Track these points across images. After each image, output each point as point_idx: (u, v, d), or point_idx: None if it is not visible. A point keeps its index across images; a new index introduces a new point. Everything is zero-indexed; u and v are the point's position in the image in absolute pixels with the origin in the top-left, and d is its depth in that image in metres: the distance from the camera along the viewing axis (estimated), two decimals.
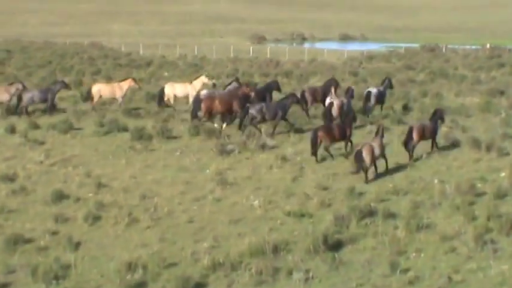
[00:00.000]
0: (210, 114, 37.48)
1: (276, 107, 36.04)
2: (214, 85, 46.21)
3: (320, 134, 31.05)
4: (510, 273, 19.55)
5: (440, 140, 33.68)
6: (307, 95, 40.22)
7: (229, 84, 42.26)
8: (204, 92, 39.88)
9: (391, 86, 42.61)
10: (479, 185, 27.11)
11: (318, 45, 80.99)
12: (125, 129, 36.95)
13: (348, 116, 35.21)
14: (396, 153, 32.07)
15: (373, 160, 28.38)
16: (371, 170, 28.57)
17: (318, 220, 24.16)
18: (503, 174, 28.46)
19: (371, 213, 24.18)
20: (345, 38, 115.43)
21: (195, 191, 27.83)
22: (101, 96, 43.08)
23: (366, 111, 39.83)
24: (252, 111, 35.56)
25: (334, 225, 23.28)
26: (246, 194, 27.08)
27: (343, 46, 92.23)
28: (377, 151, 28.58)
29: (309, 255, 21.20)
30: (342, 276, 19.98)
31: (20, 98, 41.71)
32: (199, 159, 32.39)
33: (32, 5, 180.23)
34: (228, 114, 37.81)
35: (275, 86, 41.96)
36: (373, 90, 40.58)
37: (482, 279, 19.40)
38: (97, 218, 24.78)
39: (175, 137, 36.10)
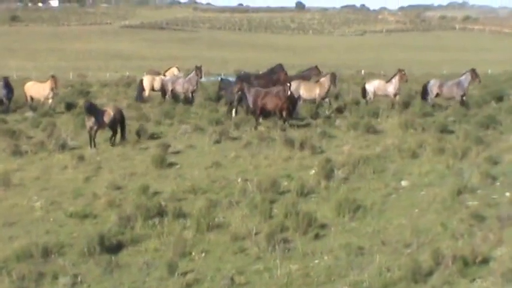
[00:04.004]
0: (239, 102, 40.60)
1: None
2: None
3: None
4: (298, 273, 17.75)
5: (254, 140, 32.19)
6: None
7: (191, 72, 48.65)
8: (167, 78, 48.02)
9: None
10: (285, 182, 25.41)
11: (212, 78, 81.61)
12: None
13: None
14: (207, 153, 30.46)
15: None
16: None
17: (102, 221, 21.73)
18: (312, 171, 26.95)
19: (161, 213, 21.94)
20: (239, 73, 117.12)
21: None
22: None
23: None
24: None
25: (118, 225, 21.01)
26: (29, 195, 24.38)
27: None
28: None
29: (82, 258, 18.79)
30: (114, 280, 17.68)
31: None
32: None
33: None
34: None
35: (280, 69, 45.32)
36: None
37: (268, 280, 17.51)
38: None
39: None
